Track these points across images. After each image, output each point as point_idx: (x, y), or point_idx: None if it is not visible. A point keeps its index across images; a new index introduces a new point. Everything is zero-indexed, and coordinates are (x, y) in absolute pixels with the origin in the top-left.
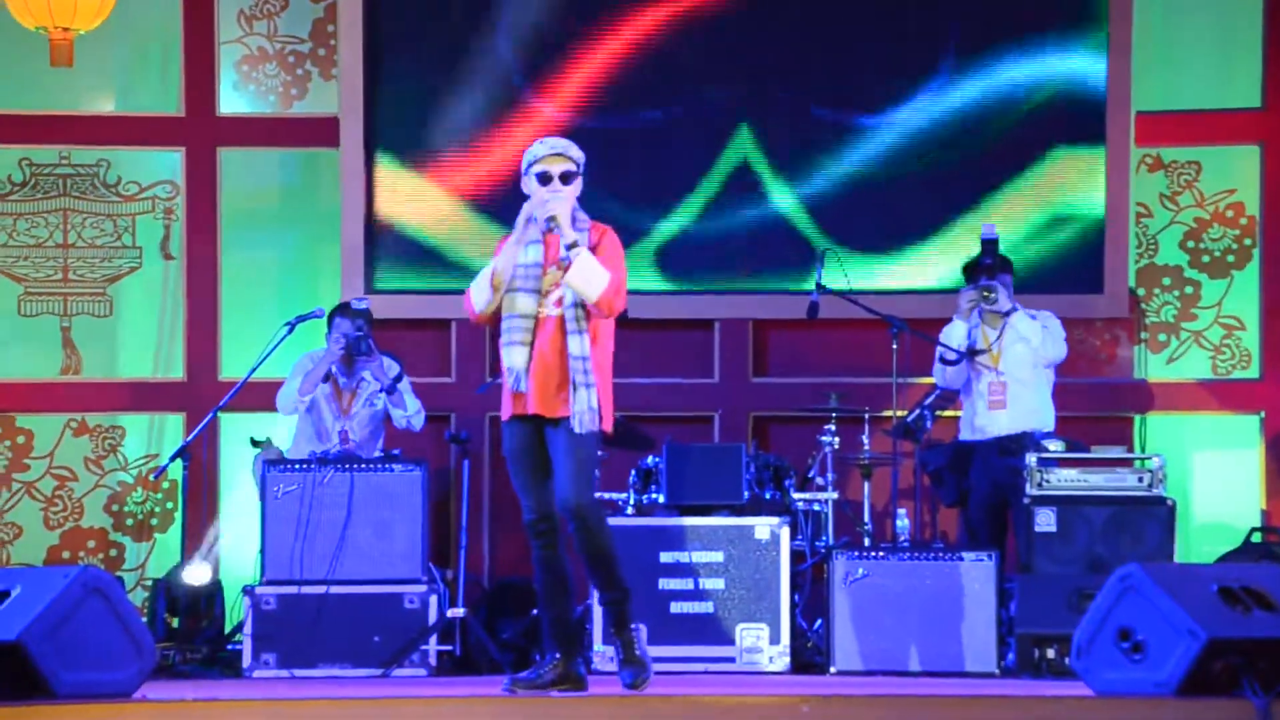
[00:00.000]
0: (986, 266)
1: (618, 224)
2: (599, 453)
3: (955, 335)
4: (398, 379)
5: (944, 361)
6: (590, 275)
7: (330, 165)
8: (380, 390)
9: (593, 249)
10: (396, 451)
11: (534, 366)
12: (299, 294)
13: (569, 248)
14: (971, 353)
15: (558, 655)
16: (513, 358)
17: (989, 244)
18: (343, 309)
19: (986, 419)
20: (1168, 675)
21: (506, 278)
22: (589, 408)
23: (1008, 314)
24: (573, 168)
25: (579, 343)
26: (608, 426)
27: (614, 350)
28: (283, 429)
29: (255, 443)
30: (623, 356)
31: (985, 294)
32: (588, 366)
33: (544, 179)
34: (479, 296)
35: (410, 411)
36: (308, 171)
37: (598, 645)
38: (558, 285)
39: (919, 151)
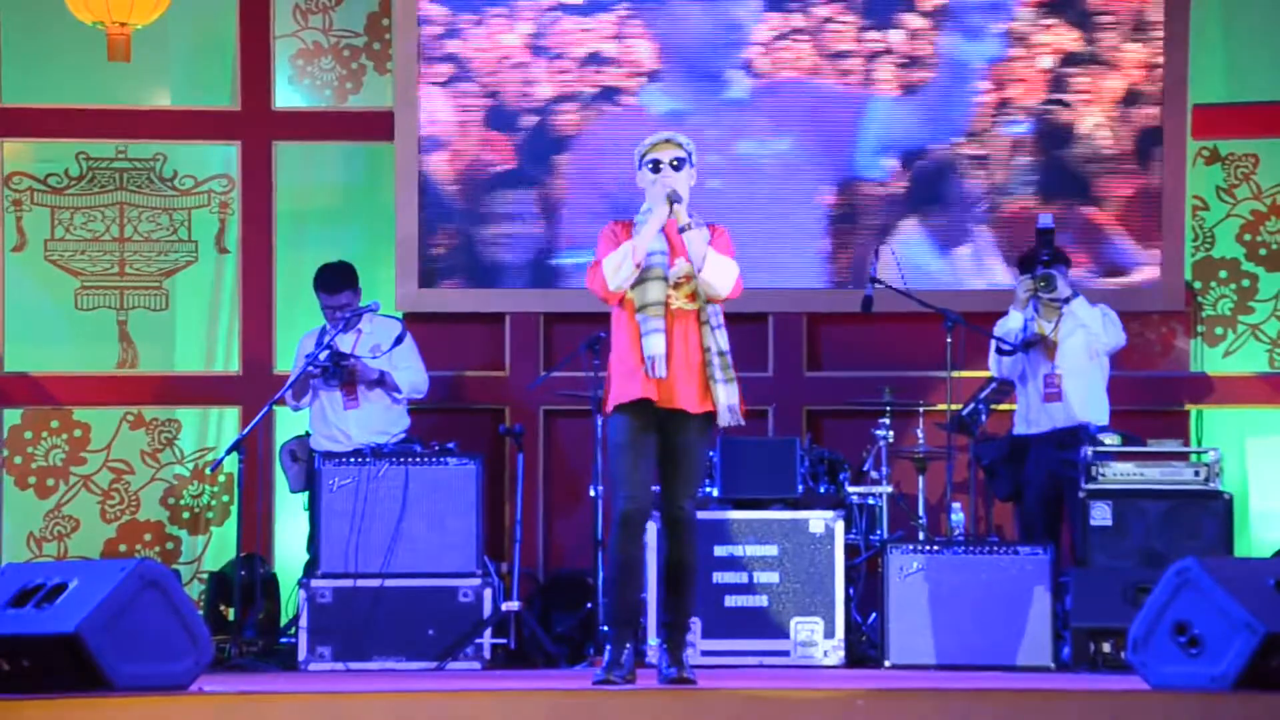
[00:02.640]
0: (1043, 260)
1: None
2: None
3: (1011, 325)
4: (398, 340)
5: (1000, 352)
6: (719, 265)
7: (385, 159)
8: (371, 384)
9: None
10: (451, 445)
11: (675, 360)
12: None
13: (681, 230)
14: (1027, 345)
15: (629, 643)
16: (653, 345)
17: (1044, 233)
18: (320, 282)
19: (1042, 412)
20: (1224, 669)
21: (642, 256)
22: (730, 404)
23: (1066, 301)
24: (683, 154)
25: (714, 336)
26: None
27: None
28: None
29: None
30: None
31: (1041, 282)
32: (726, 361)
33: (655, 167)
34: (620, 274)
35: (404, 390)
36: (362, 165)
37: (651, 639)
38: (688, 278)
39: None
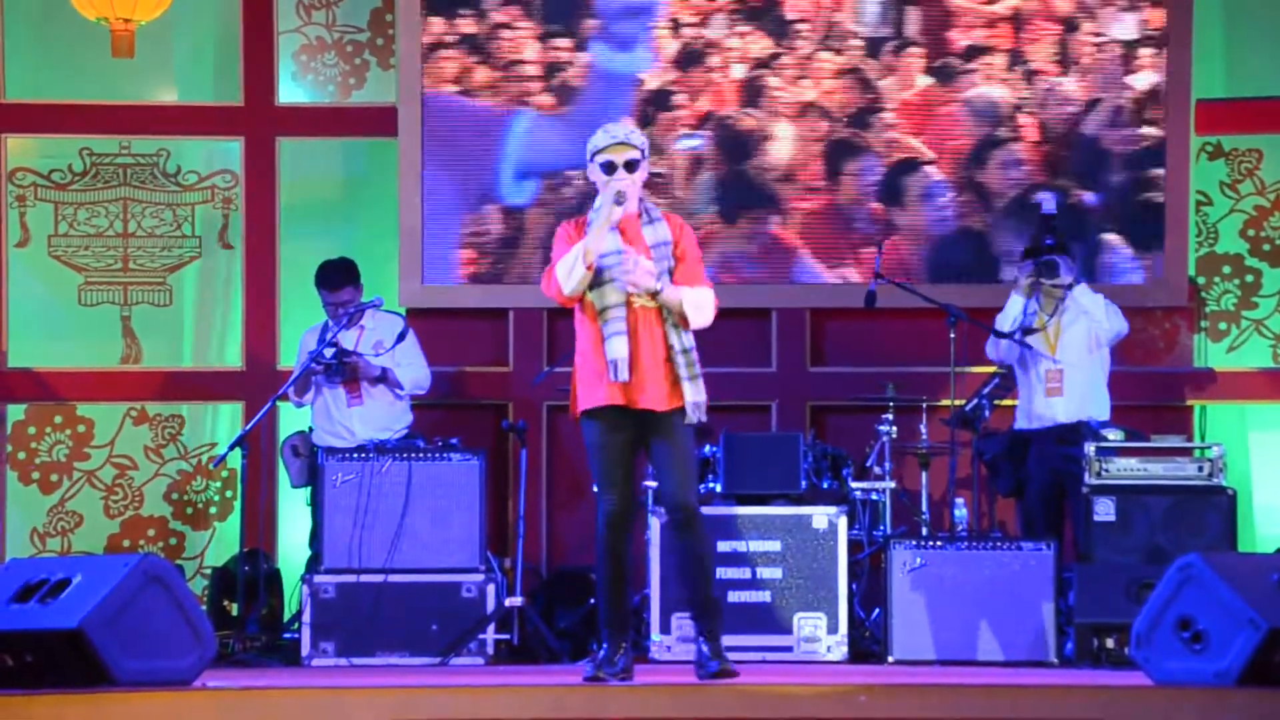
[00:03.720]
0: (1047, 246)
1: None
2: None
3: (1010, 311)
4: (400, 337)
5: (997, 335)
6: (698, 308)
7: (388, 155)
8: (374, 381)
9: (675, 243)
10: (455, 440)
11: (640, 360)
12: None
13: (653, 295)
14: (1026, 331)
15: (623, 642)
16: (615, 349)
17: (1047, 218)
18: (321, 279)
19: (1044, 406)
20: (1228, 665)
21: (596, 257)
22: (696, 400)
23: (1069, 288)
24: (637, 155)
25: (678, 335)
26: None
27: None
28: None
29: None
30: None
31: (1044, 268)
32: (691, 359)
33: (608, 168)
34: (573, 278)
35: (406, 388)
36: (366, 161)
37: (655, 635)
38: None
39: None
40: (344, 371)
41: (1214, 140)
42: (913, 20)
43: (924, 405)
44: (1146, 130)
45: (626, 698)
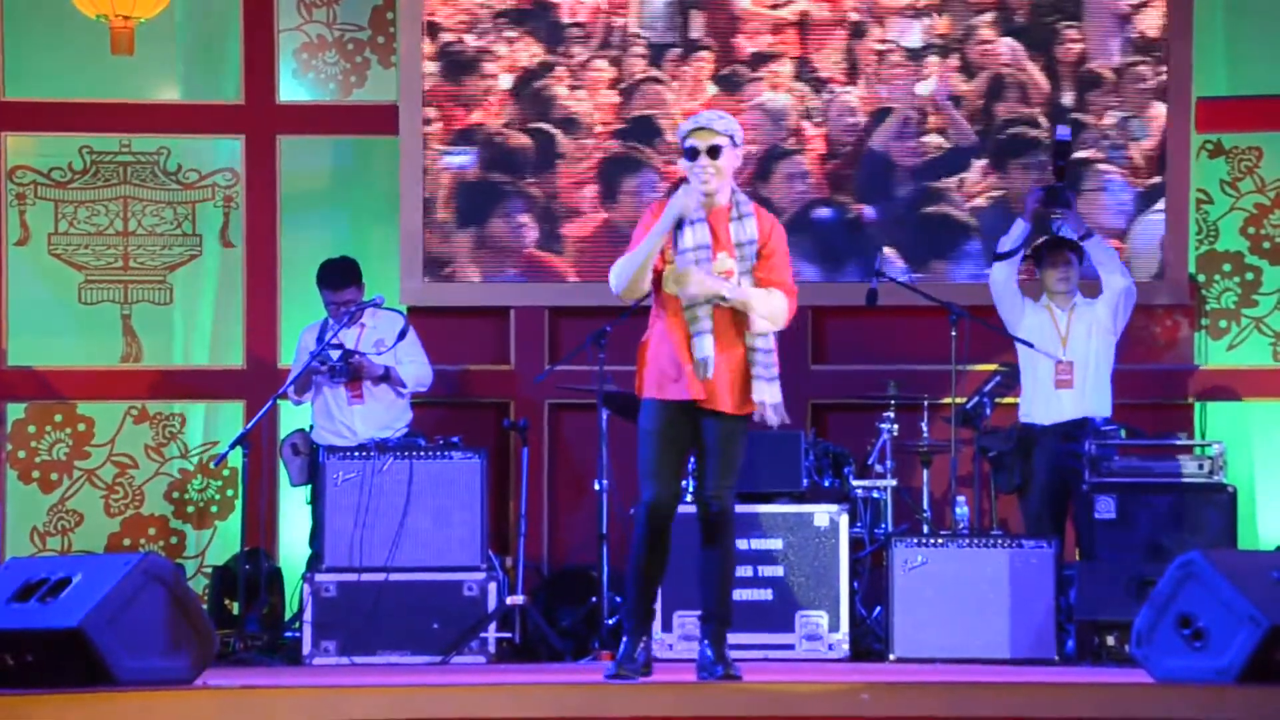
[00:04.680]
0: (1058, 169)
1: None
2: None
3: (1013, 232)
4: (401, 335)
5: (997, 257)
6: (767, 317)
7: (390, 153)
8: (376, 381)
9: (763, 243)
10: (456, 439)
11: (718, 360)
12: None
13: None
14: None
15: (645, 637)
16: (703, 347)
17: (1062, 145)
18: (324, 278)
19: (1052, 399)
20: (1229, 663)
21: (642, 259)
22: (776, 403)
23: (1083, 239)
24: (722, 141)
25: (760, 335)
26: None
27: None
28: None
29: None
30: None
31: (1051, 196)
32: (771, 360)
33: (692, 154)
34: (621, 279)
35: (409, 385)
36: (367, 159)
37: (657, 633)
38: (729, 274)
39: None
40: (348, 371)
41: (1214, 138)
42: (698, 25)
43: (925, 403)
44: (932, 139)
45: (628, 696)
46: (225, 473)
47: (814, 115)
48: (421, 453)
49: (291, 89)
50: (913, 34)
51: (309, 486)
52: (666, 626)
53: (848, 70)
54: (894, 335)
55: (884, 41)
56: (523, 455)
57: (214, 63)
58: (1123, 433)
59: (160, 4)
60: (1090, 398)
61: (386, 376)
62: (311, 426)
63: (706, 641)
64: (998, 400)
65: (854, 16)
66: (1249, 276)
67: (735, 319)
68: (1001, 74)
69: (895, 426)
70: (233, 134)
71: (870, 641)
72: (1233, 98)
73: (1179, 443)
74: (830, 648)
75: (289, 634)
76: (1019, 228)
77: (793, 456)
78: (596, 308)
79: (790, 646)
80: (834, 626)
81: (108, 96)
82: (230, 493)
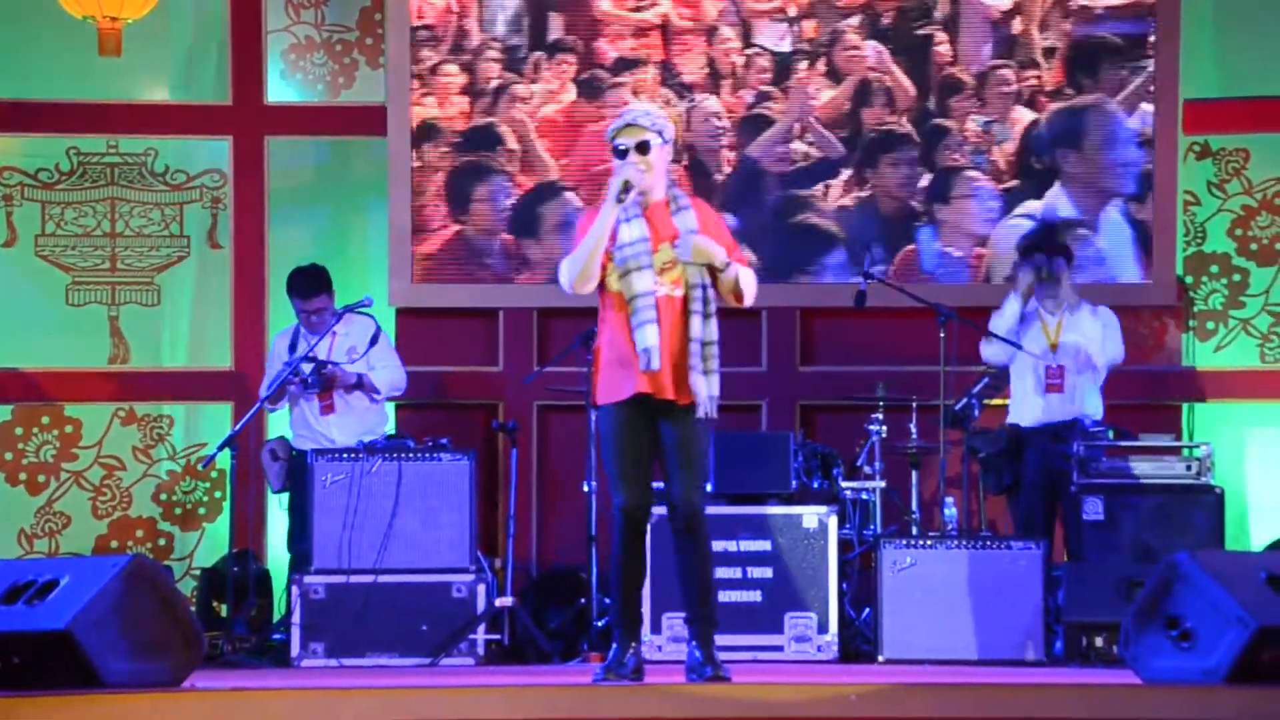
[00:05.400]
0: (1050, 248)
1: None
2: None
3: (1007, 312)
4: (373, 341)
5: (993, 337)
6: (752, 284)
7: (378, 154)
8: (350, 390)
9: (704, 231)
10: (445, 440)
11: (664, 350)
12: (346, 283)
13: (723, 268)
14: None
15: (634, 642)
16: (647, 337)
17: (1049, 226)
18: (294, 287)
19: (1043, 401)
20: (1216, 663)
21: (586, 253)
22: (712, 394)
23: (1072, 308)
24: (649, 136)
25: (701, 325)
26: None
27: None
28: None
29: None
30: None
31: (1046, 276)
32: (711, 351)
33: (620, 153)
34: (568, 275)
35: (382, 391)
36: (355, 160)
37: (646, 635)
38: (672, 264)
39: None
40: (320, 383)
41: (1201, 140)
42: (556, 28)
43: (914, 405)
44: (798, 147)
45: (618, 697)
46: (213, 474)
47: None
48: (410, 454)
49: (279, 90)
50: (779, 38)
51: (288, 493)
52: (655, 628)
53: (711, 76)
54: (882, 337)
55: (752, 46)
56: (511, 457)
57: (202, 64)
58: (1111, 434)
59: (148, 5)
60: (1080, 400)
61: (360, 384)
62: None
63: (694, 643)
64: (986, 402)
65: (718, 20)
66: (1236, 278)
67: (675, 310)
68: (868, 79)
69: (884, 428)
70: (220, 135)
71: (859, 643)
72: (1220, 99)
73: (1167, 444)
74: (819, 649)
75: (277, 636)
76: (1012, 307)
77: (782, 458)
78: (585, 309)
79: (779, 648)
80: (823, 628)
81: (95, 97)
82: (218, 494)
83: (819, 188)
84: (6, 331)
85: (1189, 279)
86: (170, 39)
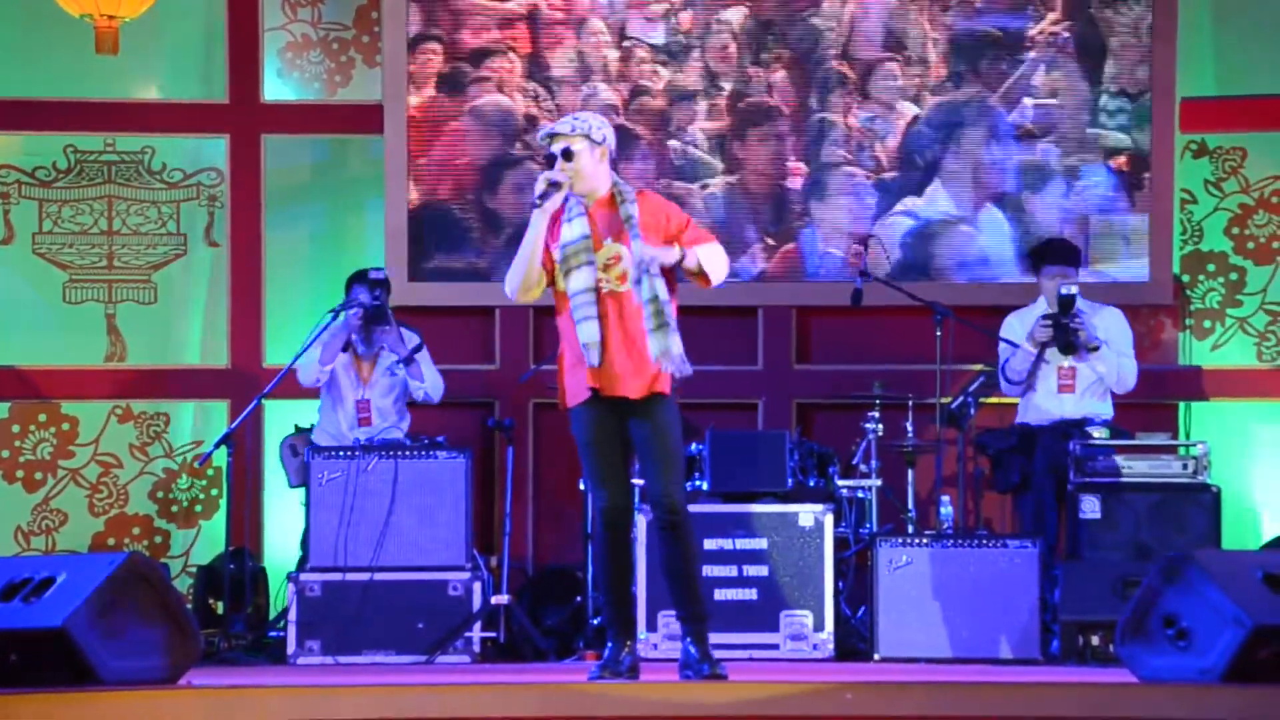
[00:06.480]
0: (1065, 324)
1: None
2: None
3: (1017, 363)
4: (417, 349)
5: (1008, 380)
6: (711, 260)
7: (374, 152)
8: (398, 361)
9: (656, 221)
10: (441, 438)
11: (613, 346)
12: (343, 281)
13: (679, 262)
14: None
15: (629, 640)
16: (586, 333)
17: (1066, 300)
18: (359, 277)
19: (1054, 401)
20: (1213, 662)
21: (524, 262)
22: (668, 351)
23: (1093, 350)
24: (573, 141)
25: (653, 285)
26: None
27: None
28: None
29: (299, 430)
30: None
31: (1064, 337)
32: (658, 307)
33: (549, 161)
34: (526, 278)
35: (427, 384)
36: (352, 158)
37: (641, 633)
38: (617, 259)
39: None
40: (383, 318)
41: (1198, 138)
42: (416, 20)
43: (910, 403)
44: (675, 144)
45: (613, 695)
46: (210, 472)
47: (548, 118)
48: (406, 452)
49: (276, 88)
50: (654, 30)
51: (305, 489)
52: (651, 626)
53: (581, 69)
54: (879, 335)
55: (629, 38)
56: (508, 455)
57: (199, 62)
58: (1107, 433)
59: (145, 3)
60: (1092, 400)
61: (411, 359)
62: (312, 427)
63: (689, 640)
64: (982, 400)
65: (589, 11)
66: (1233, 277)
67: (622, 305)
68: (748, 72)
69: (880, 426)
70: (217, 133)
71: (855, 641)
72: (1216, 98)
73: (1163, 443)
74: (815, 647)
75: (273, 634)
76: (1024, 359)
77: (777, 456)
78: None
79: (775, 646)
80: (819, 626)
81: (92, 95)
82: (215, 492)
83: (695, 185)
84: (3, 329)
85: (1186, 277)
86: (167, 37)
